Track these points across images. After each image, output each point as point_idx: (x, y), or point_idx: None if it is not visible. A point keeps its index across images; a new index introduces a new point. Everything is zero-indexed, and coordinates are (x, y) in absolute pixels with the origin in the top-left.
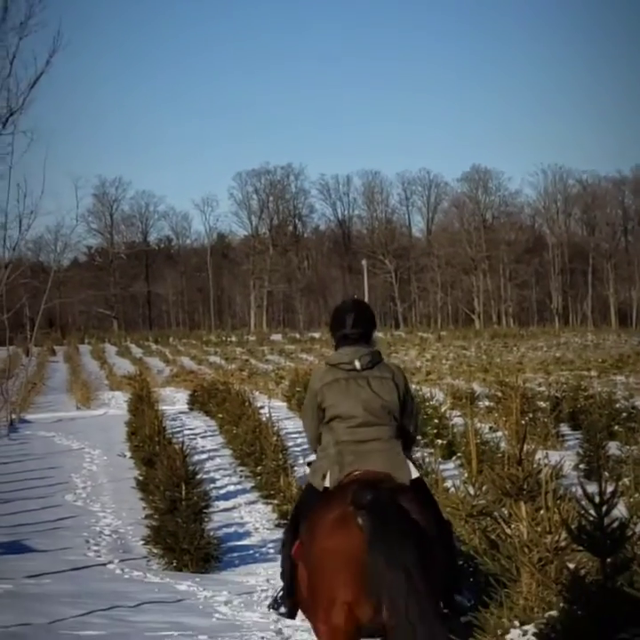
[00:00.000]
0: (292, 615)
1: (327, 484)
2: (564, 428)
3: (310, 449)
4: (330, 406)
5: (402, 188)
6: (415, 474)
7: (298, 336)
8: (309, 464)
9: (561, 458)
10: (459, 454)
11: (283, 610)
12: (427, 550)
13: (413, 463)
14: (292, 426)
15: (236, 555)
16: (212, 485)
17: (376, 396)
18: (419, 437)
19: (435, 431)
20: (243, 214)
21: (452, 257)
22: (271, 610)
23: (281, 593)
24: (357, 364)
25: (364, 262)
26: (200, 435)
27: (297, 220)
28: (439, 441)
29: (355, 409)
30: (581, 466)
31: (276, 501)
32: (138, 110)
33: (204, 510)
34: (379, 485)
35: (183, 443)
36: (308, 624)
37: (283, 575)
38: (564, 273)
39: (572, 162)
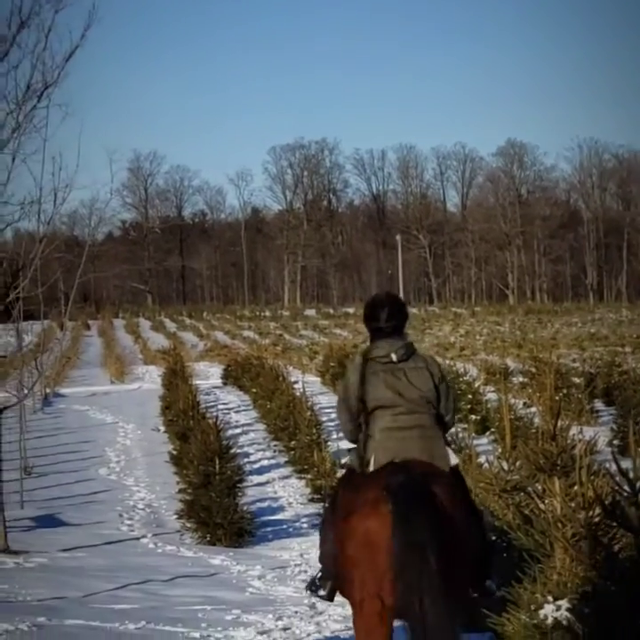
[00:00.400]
0: (331, 598)
1: (371, 468)
2: (598, 404)
3: (346, 438)
4: (372, 399)
5: (436, 162)
6: (454, 460)
7: (332, 311)
8: (350, 451)
9: (595, 434)
10: (492, 430)
11: (321, 592)
12: (453, 534)
13: (451, 450)
14: (325, 401)
15: (269, 529)
16: (245, 460)
17: (413, 387)
18: (455, 423)
19: (468, 406)
20: (277, 189)
21: (487, 232)
22: (308, 591)
23: (319, 574)
24: (394, 357)
25: (398, 237)
26: (234, 409)
27: (331, 195)
28: (473, 416)
29: (395, 399)
30: (615, 442)
31: (309, 476)
32: (173, 84)
33: (238, 485)
34: (412, 470)
35: (217, 417)
36: (340, 598)
37: (322, 557)
38: (598, 248)
39: (608, 136)
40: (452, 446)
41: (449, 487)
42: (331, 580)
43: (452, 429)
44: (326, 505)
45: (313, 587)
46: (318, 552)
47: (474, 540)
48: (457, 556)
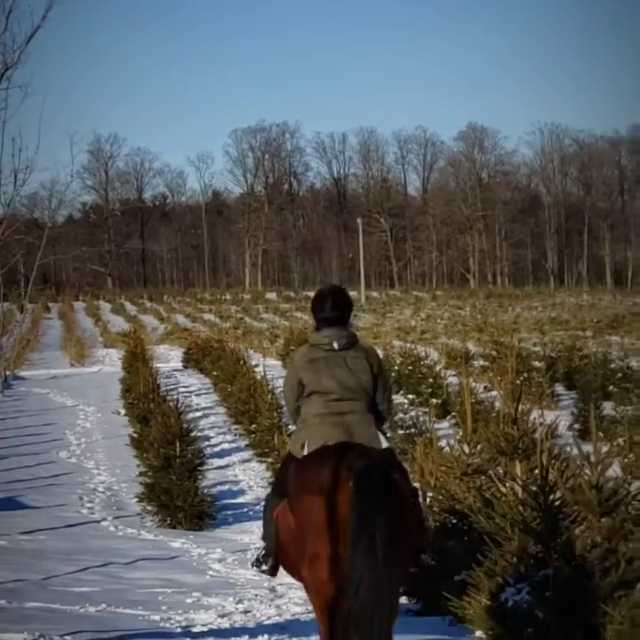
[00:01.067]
0: (273, 573)
1: (305, 452)
2: (559, 388)
3: (291, 421)
4: (309, 383)
5: (398, 146)
6: (385, 444)
7: (293, 294)
8: (290, 435)
9: (556, 418)
10: (453, 414)
11: (264, 567)
12: (401, 516)
13: (383, 435)
14: None
15: (230, 512)
16: (206, 443)
17: (351, 374)
18: (391, 413)
19: (429, 390)
20: (238, 172)
21: (448, 216)
22: (254, 568)
23: (263, 552)
24: (336, 345)
25: (359, 221)
26: (194, 392)
27: (292, 179)
28: (433, 400)
29: (332, 385)
30: (576, 426)
31: (270, 459)
32: (133, 66)
33: (199, 468)
34: (363, 451)
35: (178, 400)
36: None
37: (265, 536)
38: (559, 232)
39: (569, 121)
40: (384, 433)
41: (398, 469)
42: (272, 557)
43: (413, 413)
44: (270, 488)
45: (257, 563)
46: (261, 532)
47: (416, 518)
48: (402, 533)
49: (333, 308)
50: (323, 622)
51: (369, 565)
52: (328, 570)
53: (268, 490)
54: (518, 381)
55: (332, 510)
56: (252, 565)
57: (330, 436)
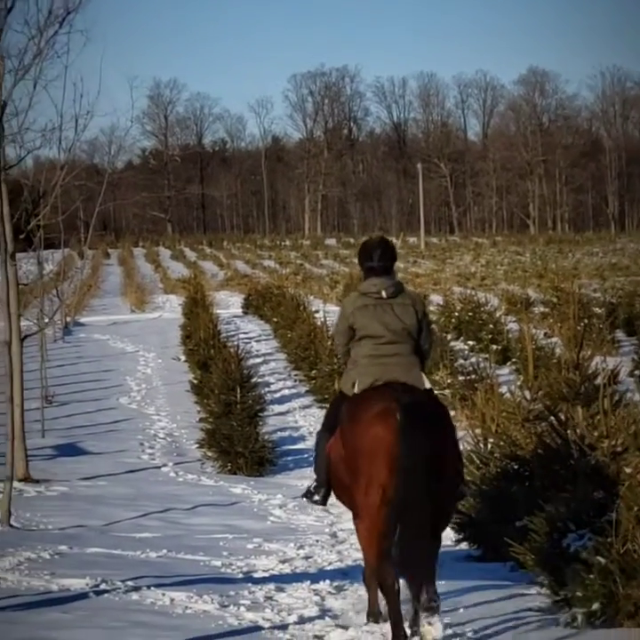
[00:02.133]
0: (324, 503)
1: (356, 390)
2: (620, 335)
3: (341, 362)
4: (360, 327)
5: (458, 90)
6: (428, 385)
7: (352, 241)
8: (340, 375)
9: (617, 363)
10: (513, 360)
11: (316, 498)
12: (444, 447)
13: (426, 376)
14: None
15: (290, 458)
16: (266, 389)
17: (398, 320)
18: (431, 354)
19: (489, 337)
20: (297, 117)
21: (508, 161)
22: (304, 499)
23: (314, 484)
24: (384, 293)
25: (419, 166)
26: (255, 339)
27: (352, 124)
28: (494, 346)
29: (380, 329)
30: (637, 372)
31: None
32: (193, 11)
33: (259, 414)
34: (413, 389)
35: (238, 346)
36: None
37: (317, 469)
38: (620, 177)
39: (631, 64)
40: (427, 373)
41: (438, 405)
42: (324, 488)
43: (473, 359)
44: (320, 426)
45: (308, 494)
46: (314, 465)
47: (456, 451)
48: (446, 462)
49: (380, 259)
50: (371, 547)
51: (413, 493)
52: (380, 495)
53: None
54: (579, 327)
55: (382, 441)
56: (304, 496)
57: (378, 375)
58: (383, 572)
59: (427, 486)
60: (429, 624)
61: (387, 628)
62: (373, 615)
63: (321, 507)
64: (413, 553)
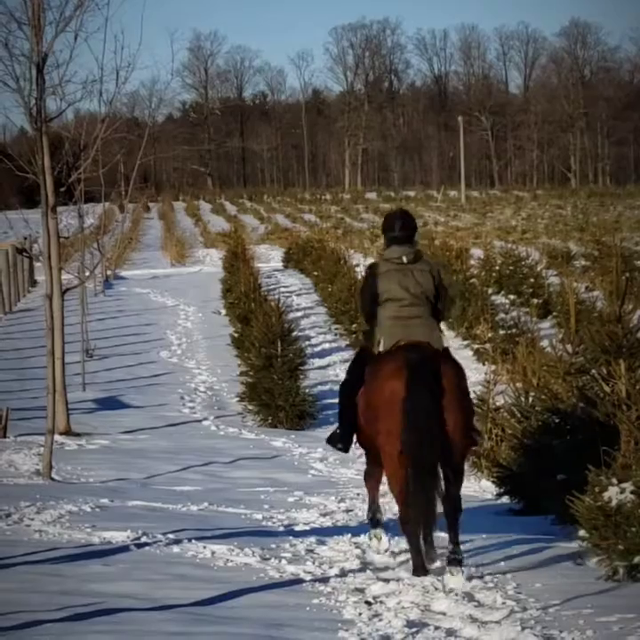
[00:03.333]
0: (346, 449)
1: (381, 348)
2: None
3: (365, 322)
4: (384, 291)
5: (499, 43)
6: (445, 344)
7: (392, 194)
8: (364, 333)
9: None
10: (554, 314)
11: (339, 445)
12: (450, 397)
13: (444, 336)
14: None
15: (330, 412)
16: (307, 343)
17: (418, 284)
18: (450, 316)
19: (530, 291)
20: (338, 70)
21: (549, 114)
22: (328, 443)
23: (337, 431)
24: (405, 259)
25: (460, 119)
26: (295, 292)
27: (393, 76)
28: (535, 300)
29: (402, 293)
30: None
31: None
32: None
33: (300, 367)
34: (423, 349)
35: (279, 300)
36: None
37: (340, 418)
38: None
39: None
40: (444, 334)
41: (447, 361)
42: (347, 436)
43: (514, 313)
44: (344, 380)
45: (331, 440)
46: (338, 412)
47: (465, 400)
48: (450, 410)
49: (402, 229)
50: (398, 485)
51: (415, 440)
52: (398, 442)
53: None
54: (621, 281)
55: (395, 396)
56: (327, 442)
57: (401, 336)
58: (415, 510)
59: (432, 437)
60: (452, 574)
61: (428, 580)
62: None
63: (343, 453)
64: (423, 498)
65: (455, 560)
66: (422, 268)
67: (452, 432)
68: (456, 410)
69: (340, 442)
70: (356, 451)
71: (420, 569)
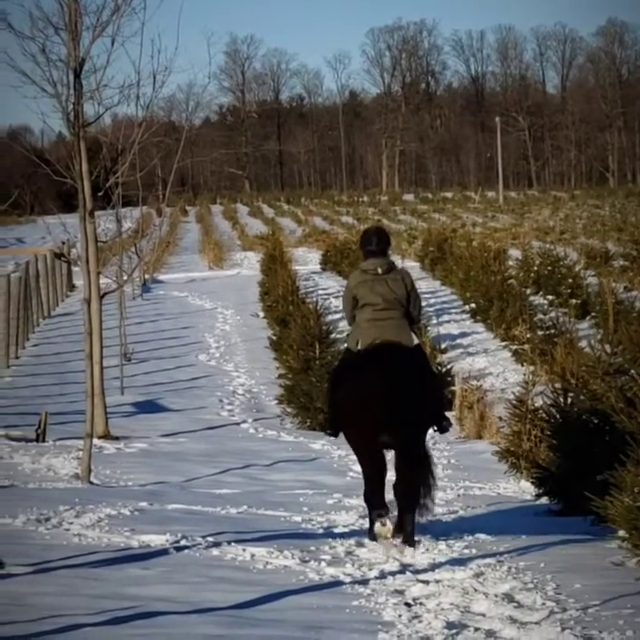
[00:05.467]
0: (335, 434)
1: (359, 347)
2: None
3: (348, 324)
4: (361, 297)
5: (536, 43)
6: (416, 341)
7: (430, 196)
8: (348, 334)
9: None
10: (593, 314)
11: (329, 431)
12: (420, 389)
13: (415, 334)
14: (425, 286)
15: None
16: (345, 345)
17: (391, 291)
18: (421, 319)
19: (568, 291)
20: (375, 72)
21: (587, 114)
22: (323, 432)
23: (327, 419)
24: (379, 270)
25: (497, 120)
26: (333, 294)
27: (429, 78)
28: (573, 301)
29: (377, 299)
30: None
31: None
32: None
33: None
34: (394, 348)
35: (317, 302)
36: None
37: (329, 409)
38: None
39: None
40: (416, 332)
41: (417, 357)
42: (333, 422)
43: (552, 314)
44: (332, 376)
45: (323, 428)
46: (327, 406)
47: (435, 391)
48: (420, 401)
49: (377, 244)
50: (366, 466)
51: (401, 424)
52: (372, 431)
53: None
54: None
55: (373, 388)
56: (321, 429)
57: (376, 335)
58: (375, 489)
59: (402, 420)
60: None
61: (468, 582)
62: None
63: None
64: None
65: (409, 543)
66: (395, 277)
67: (417, 419)
68: (421, 400)
69: (328, 429)
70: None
71: (377, 508)
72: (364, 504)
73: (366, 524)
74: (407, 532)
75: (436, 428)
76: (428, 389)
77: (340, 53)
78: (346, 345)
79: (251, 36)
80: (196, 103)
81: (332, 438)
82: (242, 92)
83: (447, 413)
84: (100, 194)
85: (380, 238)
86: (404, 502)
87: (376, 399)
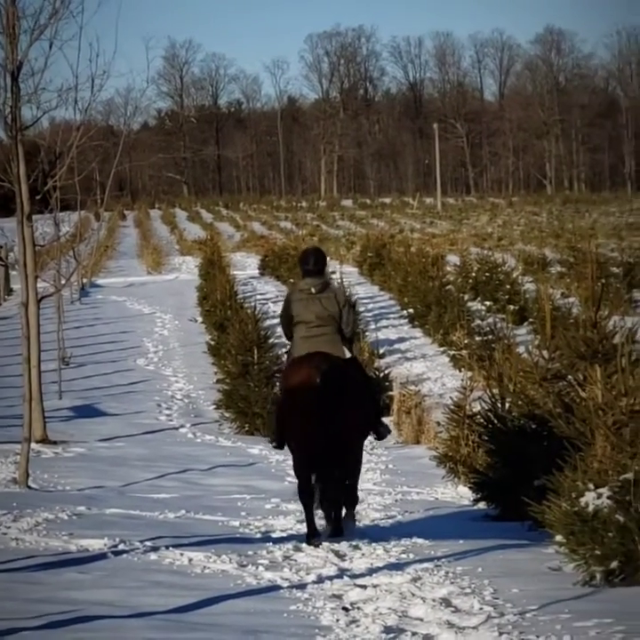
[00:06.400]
0: (279, 446)
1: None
2: (638, 295)
3: (287, 340)
4: (296, 315)
5: (474, 50)
6: (348, 355)
7: (368, 202)
8: (287, 348)
9: (634, 323)
10: (530, 320)
11: (273, 444)
12: (357, 398)
13: (348, 349)
14: (363, 291)
15: None
16: (283, 350)
17: (324, 309)
18: (354, 333)
19: (506, 297)
20: (313, 77)
21: (525, 121)
22: (270, 443)
23: (273, 433)
24: (313, 290)
25: (435, 126)
26: (271, 299)
27: (368, 84)
28: (511, 307)
29: (311, 316)
30: None
31: None
32: None
33: (276, 374)
34: (330, 358)
35: (255, 307)
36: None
37: (273, 420)
38: (637, 137)
39: None
40: (348, 348)
41: (353, 368)
42: (277, 436)
43: (490, 319)
44: (277, 386)
45: (269, 440)
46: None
47: (371, 400)
48: (355, 410)
49: (315, 264)
50: (302, 468)
51: (334, 432)
52: (307, 437)
53: None
54: (596, 287)
55: (308, 398)
56: (269, 442)
57: (308, 350)
58: (305, 491)
59: (341, 428)
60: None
61: (406, 587)
62: (310, 537)
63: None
64: (328, 481)
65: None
66: (328, 295)
67: (350, 426)
68: (354, 407)
69: (274, 441)
70: None
71: (311, 537)
72: (301, 507)
73: (304, 529)
74: (334, 527)
75: (373, 434)
76: (363, 398)
77: (278, 59)
78: (286, 357)
79: (189, 41)
80: (134, 107)
81: (271, 445)
82: (180, 97)
83: (384, 419)
84: (37, 197)
85: (317, 259)
86: (335, 501)
87: (307, 407)
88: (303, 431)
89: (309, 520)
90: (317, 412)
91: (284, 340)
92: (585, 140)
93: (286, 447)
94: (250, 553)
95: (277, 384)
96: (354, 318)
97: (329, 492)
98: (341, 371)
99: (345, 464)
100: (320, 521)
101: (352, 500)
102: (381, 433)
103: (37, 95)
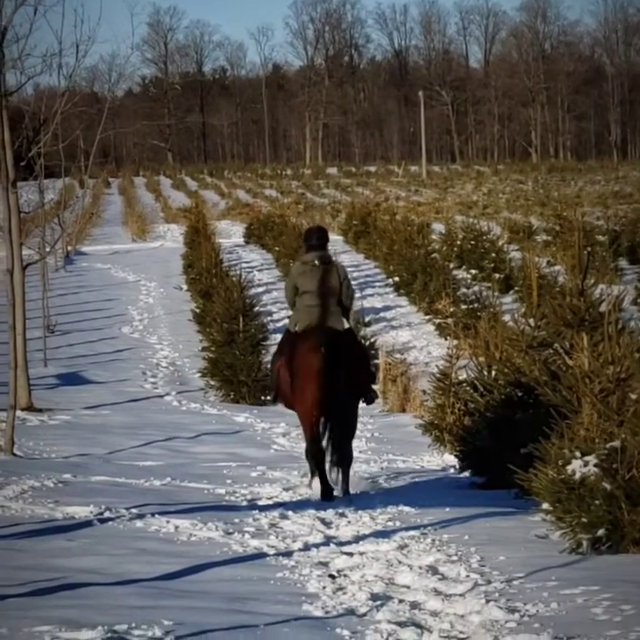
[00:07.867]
0: (275, 402)
1: (297, 329)
2: (623, 263)
3: (290, 308)
4: (301, 285)
5: (459, 17)
6: (346, 325)
7: (354, 170)
8: (289, 317)
9: (620, 291)
10: (516, 288)
11: (269, 398)
12: (354, 369)
13: (346, 320)
14: (348, 259)
15: None
16: (269, 318)
17: (326, 280)
18: (353, 306)
19: (492, 265)
20: (298, 44)
21: (510, 88)
22: (268, 398)
23: (270, 388)
24: (317, 262)
25: (420, 94)
26: (257, 268)
27: (353, 51)
28: (496, 275)
29: (314, 287)
30: None
31: None
32: None
33: (262, 342)
34: (331, 331)
35: (240, 276)
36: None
37: (270, 379)
38: (623, 104)
39: None
40: (348, 319)
41: (350, 339)
42: (274, 391)
43: (476, 288)
44: (274, 352)
45: (268, 395)
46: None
47: (366, 368)
48: (355, 378)
49: (318, 239)
50: (307, 430)
51: (334, 396)
52: (312, 402)
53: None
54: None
55: (312, 367)
56: (268, 396)
57: (312, 320)
58: (314, 448)
59: (340, 393)
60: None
61: (392, 554)
62: (325, 493)
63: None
64: (334, 435)
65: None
66: (330, 268)
67: (348, 388)
68: (352, 372)
69: (269, 396)
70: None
71: (326, 492)
72: (305, 460)
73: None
74: (343, 488)
75: (363, 399)
76: (357, 366)
77: (263, 26)
78: (287, 326)
79: (173, 7)
80: (118, 74)
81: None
82: (165, 64)
83: (372, 386)
84: (22, 164)
85: (320, 235)
86: (338, 462)
87: (312, 375)
88: (310, 395)
89: (323, 478)
90: (322, 377)
91: (269, 308)
92: (570, 107)
93: (278, 412)
94: (236, 520)
95: (277, 346)
96: (352, 292)
97: (333, 453)
98: (341, 340)
99: (344, 423)
100: (316, 484)
101: (348, 461)
102: (370, 398)
103: (22, 61)
